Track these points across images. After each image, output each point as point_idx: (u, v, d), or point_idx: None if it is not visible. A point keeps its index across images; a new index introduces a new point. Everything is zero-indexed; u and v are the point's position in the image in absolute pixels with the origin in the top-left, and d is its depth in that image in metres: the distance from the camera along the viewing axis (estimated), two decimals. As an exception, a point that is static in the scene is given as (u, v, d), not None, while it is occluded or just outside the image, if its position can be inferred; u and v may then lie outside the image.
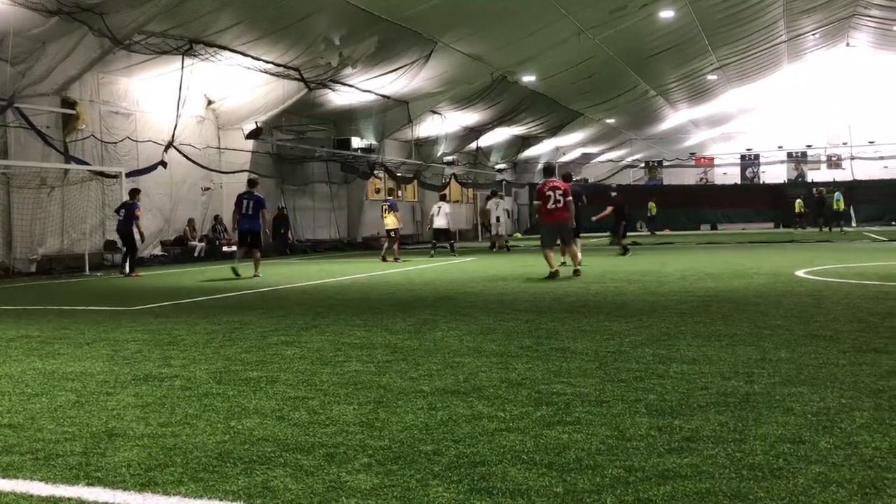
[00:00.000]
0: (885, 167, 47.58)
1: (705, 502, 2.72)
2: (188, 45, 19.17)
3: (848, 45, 42.89)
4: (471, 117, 33.67)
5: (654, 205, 41.65)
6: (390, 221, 20.21)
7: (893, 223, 41.56)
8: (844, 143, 50.08)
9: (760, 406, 3.97)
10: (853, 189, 42.53)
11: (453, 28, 23.07)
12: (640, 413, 3.90)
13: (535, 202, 13.50)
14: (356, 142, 28.61)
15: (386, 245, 20.64)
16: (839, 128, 49.54)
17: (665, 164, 53.57)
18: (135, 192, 17.50)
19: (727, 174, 53.17)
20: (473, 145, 38.63)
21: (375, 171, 31.74)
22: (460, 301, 9.66)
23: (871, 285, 10.21)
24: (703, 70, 37.36)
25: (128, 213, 16.99)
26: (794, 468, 3.02)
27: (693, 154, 53.98)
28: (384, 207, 20.76)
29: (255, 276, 14.79)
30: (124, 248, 17.38)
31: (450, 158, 37.47)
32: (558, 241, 13.52)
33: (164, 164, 21.01)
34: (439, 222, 22.32)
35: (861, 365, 4.91)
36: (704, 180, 53.43)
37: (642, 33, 28.21)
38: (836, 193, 36.39)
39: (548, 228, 13.27)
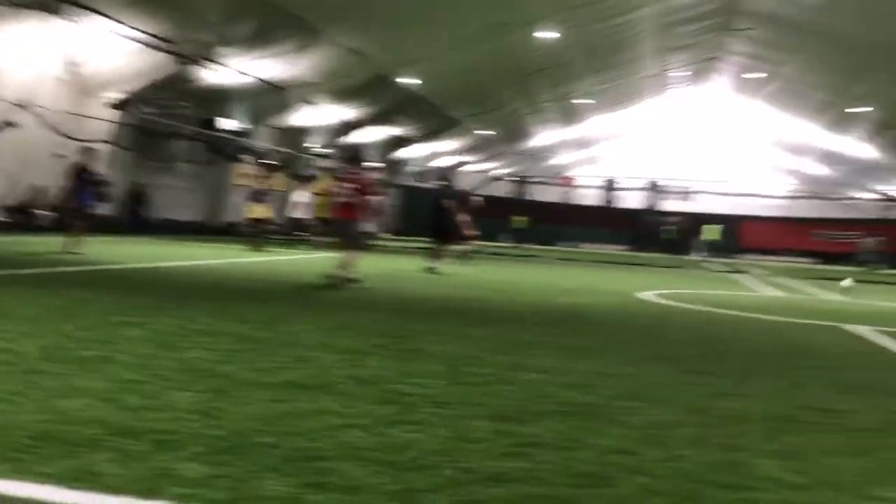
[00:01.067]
0: (729, 203, 50.95)
1: (534, 506, 2.79)
2: (52, 2, 17.98)
3: (707, 85, 45.68)
4: (347, 112, 33.40)
5: (522, 219, 42.68)
6: (259, 210, 19.63)
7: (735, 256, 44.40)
8: (696, 178, 53.17)
9: (598, 417, 4.12)
10: (701, 222, 45.20)
11: (338, 19, 22.80)
12: (483, 417, 3.96)
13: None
14: (225, 123, 27.75)
15: (253, 234, 20.05)
16: (693, 161, 52.54)
17: (533, 180, 55.05)
18: None
19: (588, 196, 55.27)
20: (348, 139, 38.32)
21: (244, 156, 30.88)
22: (320, 295, 9.54)
23: (707, 311, 10.86)
24: (575, 93, 38.71)
25: None
26: (621, 478, 3.15)
27: (558, 173, 55.80)
28: (253, 195, 20.25)
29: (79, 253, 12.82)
30: None
31: (323, 150, 37.02)
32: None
33: (10, 123, 19.60)
34: (299, 212, 22.05)
35: (693, 385, 5.20)
36: (568, 200, 55.36)
37: (523, 50, 28.91)
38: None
39: (335, 224, 11.76)
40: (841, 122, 40.23)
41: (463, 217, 20.19)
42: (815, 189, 51.39)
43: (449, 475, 3.03)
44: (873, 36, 26.73)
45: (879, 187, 51.27)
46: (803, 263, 39.78)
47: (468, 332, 6.96)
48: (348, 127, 36.03)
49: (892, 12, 24.25)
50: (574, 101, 40.05)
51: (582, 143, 51.89)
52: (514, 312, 8.96)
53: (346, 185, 11.18)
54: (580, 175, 56.00)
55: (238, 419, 3.62)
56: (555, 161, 54.61)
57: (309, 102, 30.87)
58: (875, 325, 10.04)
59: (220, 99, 27.65)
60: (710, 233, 39.37)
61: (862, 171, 48.54)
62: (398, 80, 29.83)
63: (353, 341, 6.05)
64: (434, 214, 15.66)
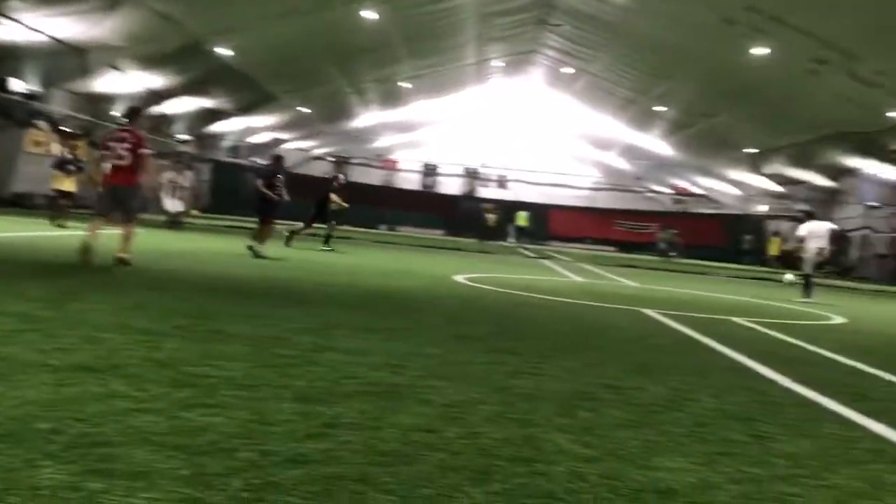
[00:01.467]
0: (540, 192, 53.38)
1: (332, 486, 2.77)
2: None
3: (525, 77, 47.49)
4: (156, 80, 31.62)
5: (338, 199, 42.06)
6: (66, 182, 18.11)
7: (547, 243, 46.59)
8: (511, 168, 55.29)
9: (402, 397, 4.16)
10: (516, 209, 47.02)
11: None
12: (286, 399, 3.88)
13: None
14: (15, 84, 25.44)
15: (57, 206, 18.20)
16: (510, 150, 54.54)
17: (353, 161, 54.82)
18: None
19: (409, 180, 55.90)
20: (156, 110, 36.32)
21: (37, 122, 28.45)
22: (118, 274, 8.98)
23: (515, 294, 11.31)
24: (398, 76, 38.93)
25: None
26: (421, 455, 3.20)
27: (380, 156, 55.95)
28: (58, 165, 18.66)
29: None
30: None
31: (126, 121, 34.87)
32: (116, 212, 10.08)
33: None
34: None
35: (494, 364, 5.38)
36: (389, 183, 55.69)
37: (346, 29, 28.64)
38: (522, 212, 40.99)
39: (105, 192, 10.00)
40: (642, 120, 43.25)
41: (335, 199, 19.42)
42: (617, 181, 54.90)
43: (246, 458, 2.95)
44: (672, 41, 28.86)
45: (675, 182, 55.68)
46: (605, 251, 42.37)
47: (275, 314, 6.81)
48: (157, 96, 34.13)
49: (688, 21, 26.26)
50: (397, 83, 40.25)
51: (404, 127, 52.31)
52: (324, 294, 8.87)
53: (118, 145, 9.64)
54: (402, 158, 56.47)
55: (15, 404, 3.32)
56: (377, 143, 54.69)
57: (114, 67, 28.91)
58: (667, 309, 10.88)
59: (9, 57, 25.28)
60: (520, 219, 41.13)
61: (660, 167, 52.49)
62: (212, 49, 28.58)
63: (150, 322, 5.73)
64: (259, 194, 14.50)
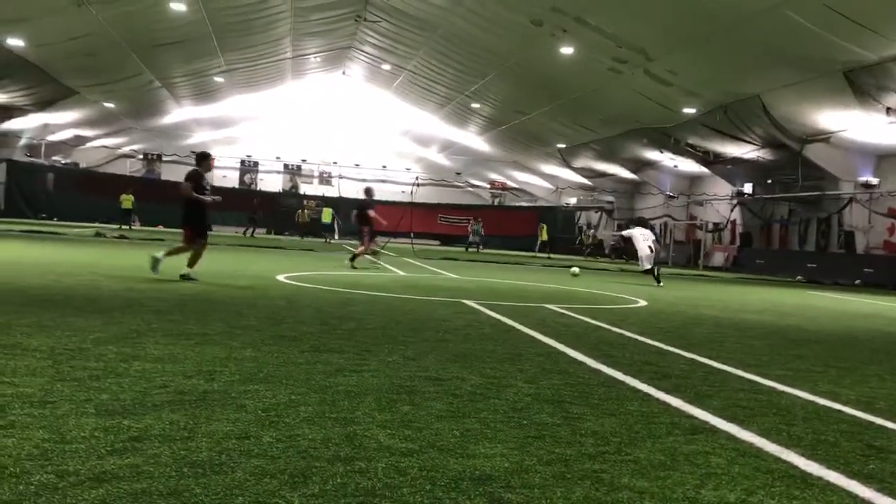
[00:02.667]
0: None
1: (139, 503, 2.62)
2: None
3: (344, 73, 47.27)
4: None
5: (128, 197, 38.75)
6: None
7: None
8: (335, 162, 54.90)
9: (216, 404, 4.01)
10: (339, 205, 46.74)
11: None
12: (89, 414, 3.64)
13: None
14: None
15: None
16: (332, 146, 54.13)
17: (164, 158, 52.30)
18: None
19: (226, 177, 54.08)
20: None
21: None
22: None
23: (337, 291, 11.24)
24: (211, 71, 37.53)
25: None
26: (235, 463, 3.10)
27: (194, 152, 53.76)
28: None
29: None
30: None
31: None
32: None
33: None
34: None
35: (316, 364, 5.31)
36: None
37: (151, 20, 27.24)
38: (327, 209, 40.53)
39: None
40: (460, 117, 44.33)
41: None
42: (438, 177, 55.88)
43: (41, 481, 2.73)
44: (485, 40, 29.74)
45: (493, 177, 57.50)
46: (428, 245, 43.05)
47: (75, 323, 6.36)
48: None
49: (500, 21, 27.16)
50: (210, 78, 38.79)
51: (220, 123, 50.54)
52: (130, 299, 8.39)
53: None
54: (218, 155, 54.49)
55: None
56: (192, 140, 52.44)
57: None
58: (486, 299, 11.21)
59: None
60: (325, 216, 40.95)
61: (478, 162, 54.04)
62: (1, 40, 26.27)
63: (-69, 338, 5.19)
64: (188, 198, 11.42)
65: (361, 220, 19.03)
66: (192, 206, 11.45)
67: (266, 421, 3.74)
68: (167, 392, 4.18)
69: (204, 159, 11.94)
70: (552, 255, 38.12)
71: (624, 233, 20.60)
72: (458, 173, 56.08)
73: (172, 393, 4.17)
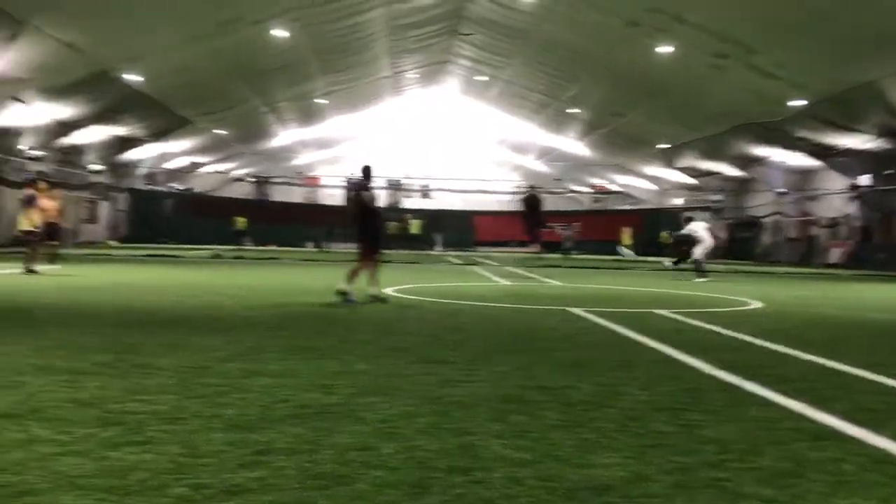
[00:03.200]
0: (464, 199, 53.80)
1: (269, 515, 2.74)
2: None
3: (441, 87, 47.83)
4: (63, 110, 30.65)
5: (242, 219, 41.85)
6: (35, 220, 16.15)
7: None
8: (434, 176, 55.52)
9: (336, 417, 4.13)
10: (439, 217, 47.23)
11: (48, 9, 20.85)
12: (216, 429, 3.82)
13: None
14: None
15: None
16: (431, 160, 54.76)
17: (274, 180, 54.14)
18: None
19: (333, 195, 55.46)
20: (66, 141, 35.21)
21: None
22: (33, 313, 8.66)
23: (443, 303, 11.35)
24: (314, 93, 38.69)
25: None
26: (357, 474, 3.19)
27: (300, 173, 55.43)
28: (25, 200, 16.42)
29: None
30: None
31: (37, 153, 33.68)
32: None
33: None
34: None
35: (427, 375, 5.39)
36: (311, 200, 55.15)
37: (256, 48, 28.34)
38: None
39: None
40: (557, 122, 44.04)
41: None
42: (537, 184, 55.61)
43: (178, 494, 2.89)
44: (579, 44, 29.52)
45: (593, 181, 56.81)
46: (527, 253, 42.86)
47: (199, 342, 6.67)
48: (66, 127, 33.13)
49: (593, 25, 26.90)
50: (313, 100, 40.00)
51: (324, 144, 51.98)
52: (248, 318, 8.73)
53: None
54: (324, 174, 56.03)
55: (-73, 460, 3.18)
56: (297, 161, 54.19)
57: (18, 100, 27.92)
58: (592, 306, 11.09)
59: None
60: (413, 227, 41.58)
61: (577, 167, 53.46)
62: (121, 76, 27.89)
63: (70, 361, 5.55)
64: (361, 217, 11.09)
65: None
66: (364, 223, 10.95)
67: (384, 432, 3.83)
68: (289, 406, 4.34)
69: (369, 172, 11.21)
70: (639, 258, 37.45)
71: (692, 231, 20.15)
72: (558, 179, 55.66)
73: (294, 407, 4.32)
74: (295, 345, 6.65)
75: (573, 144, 48.38)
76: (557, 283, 17.41)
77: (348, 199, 11.06)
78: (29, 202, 16.43)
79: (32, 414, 4.00)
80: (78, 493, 2.85)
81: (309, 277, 16.96)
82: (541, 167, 55.62)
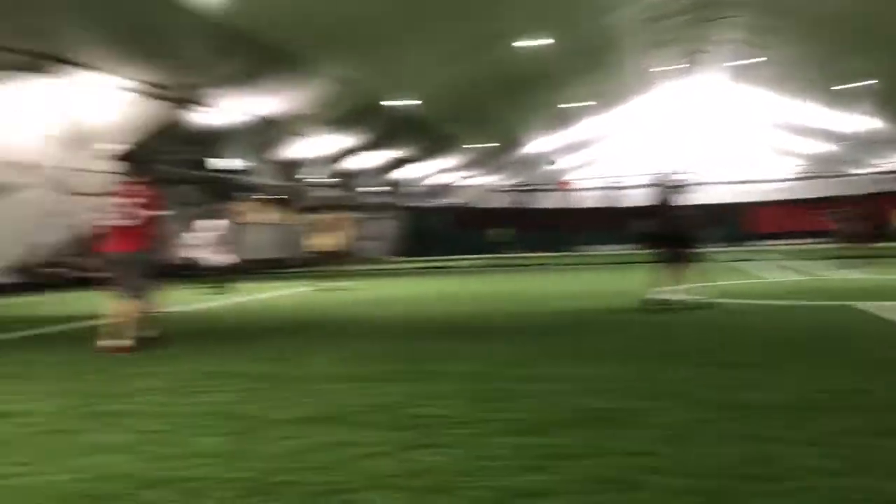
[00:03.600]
0: (734, 190, 50.83)
1: (561, 519, 2.77)
2: (48, 63, 18.21)
3: (701, 75, 45.73)
4: (343, 139, 33.58)
5: (506, 230, 41.87)
6: (327, 241, 17.08)
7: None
8: (701, 169, 53.10)
9: (619, 422, 4.09)
10: (710, 212, 45.00)
11: (327, 51, 23.00)
12: (504, 432, 3.94)
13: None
14: (225, 163, 27.93)
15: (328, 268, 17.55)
16: (696, 152, 52.50)
17: (530, 188, 55.02)
18: None
19: (588, 198, 55.17)
20: (346, 166, 38.52)
21: (246, 194, 31.09)
22: (329, 326, 9.54)
23: (719, 302, 10.78)
24: (567, 98, 38.77)
25: None
26: (645, 480, 3.13)
27: (557, 179, 55.84)
28: (314, 223, 17.64)
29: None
30: None
31: (321, 180, 37.20)
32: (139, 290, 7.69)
33: (11, 187, 19.71)
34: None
35: (709, 378, 5.16)
36: (567, 204, 55.35)
37: (513, 60, 29.01)
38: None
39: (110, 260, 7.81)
40: (840, 98, 40.05)
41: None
42: (820, 168, 51.16)
43: (473, 496, 3.02)
44: (863, 8, 26.70)
45: (877, 161, 51.03)
46: (812, 244, 39.55)
47: (480, 349, 6.94)
48: (346, 153, 36.25)
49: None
50: (566, 105, 40.14)
51: (578, 146, 51.94)
52: (523, 324, 8.94)
53: (121, 202, 7.76)
54: (579, 178, 56.03)
55: (259, 459, 3.61)
56: (555, 167, 54.71)
57: (303, 135, 31.09)
58: (879, 300, 9.93)
59: (218, 139, 27.90)
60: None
61: (876, 145, 47.90)
62: (391, 102, 29.98)
63: (366, 369, 6.05)
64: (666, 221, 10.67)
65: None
66: (672, 223, 10.47)
67: (672, 438, 3.72)
68: (571, 410, 4.36)
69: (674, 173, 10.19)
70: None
71: None
72: (846, 161, 50.61)
73: (578, 411, 4.34)
74: (574, 349, 6.69)
75: (864, 121, 43.61)
76: (840, 275, 15.85)
77: (657, 201, 10.62)
78: (319, 225, 18.05)
79: (338, 418, 4.39)
80: (386, 492, 3.08)
81: (576, 282, 16.99)
82: (825, 148, 50.93)
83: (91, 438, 4.12)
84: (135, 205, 7.70)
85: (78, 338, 9.10)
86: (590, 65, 33.71)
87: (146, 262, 7.77)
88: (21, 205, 21.01)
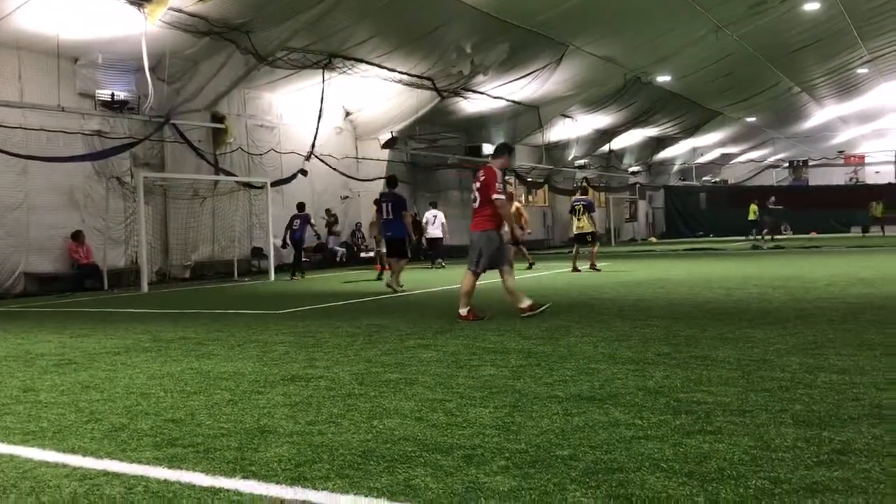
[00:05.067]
0: None
1: (858, 518, 2.61)
2: (327, 60, 19.95)
3: None
4: (603, 120, 33.23)
5: (754, 207, 37.25)
6: (585, 224, 17.03)
7: None
8: None
9: (920, 420, 3.74)
10: None
11: (585, 31, 22.85)
12: (786, 424, 3.76)
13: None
14: (487, 148, 28.78)
15: (575, 250, 17.57)
16: None
17: (811, 163, 50.80)
18: (303, 206, 19.12)
19: (880, 173, 49.82)
20: (606, 148, 38.09)
21: (506, 177, 31.92)
22: (595, 306, 9.58)
23: None
24: (853, 64, 35.19)
25: (302, 223, 18.59)
26: (958, 486, 2.84)
27: (842, 152, 51.00)
28: (578, 208, 17.28)
29: (398, 288, 12.83)
30: (294, 256, 18.74)
31: (581, 162, 37.12)
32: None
33: (304, 172, 21.90)
34: (433, 232, 20.95)
35: None
36: (855, 180, 50.30)
37: (784, 27, 26.93)
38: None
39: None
40: None
41: None
42: None
43: (758, 486, 2.93)
44: None
45: None
46: None
47: (753, 335, 6.62)
48: (605, 135, 35.87)
49: None
50: (850, 72, 36.51)
51: (867, 117, 47.00)
52: (799, 309, 8.35)
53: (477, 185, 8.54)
54: (869, 152, 50.79)
55: (536, 433, 3.77)
56: (837, 140, 50.05)
57: (564, 115, 31.18)
58: None
59: (478, 126, 28.87)
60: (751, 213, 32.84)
61: None
62: (652, 80, 29.16)
63: (634, 352, 6.02)
64: None
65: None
66: None
67: None
68: (861, 405, 4.06)
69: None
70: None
71: None
72: None
73: (867, 406, 4.03)
74: (859, 339, 6.17)
75: None
76: None
77: None
78: (588, 208, 17.42)
79: (610, 399, 4.44)
80: (662, 475, 3.08)
81: (856, 266, 15.51)
82: None
83: (382, 403, 4.54)
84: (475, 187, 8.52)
85: (371, 310, 9.95)
86: (879, 26, 30.33)
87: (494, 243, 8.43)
88: (311, 190, 23.25)
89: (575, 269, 16.89)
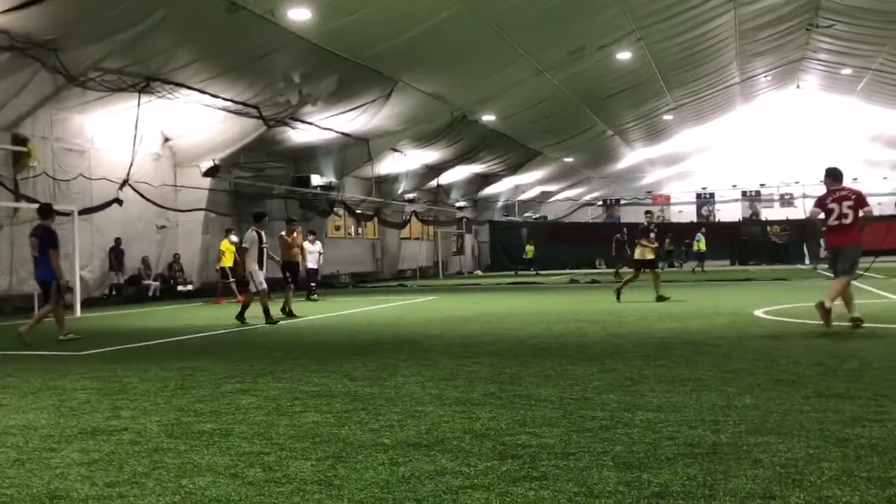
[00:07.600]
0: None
1: (678, 567, 2.62)
2: (145, 83, 18.95)
3: (798, 87, 44.19)
4: (431, 155, 33.78)
5: (530, 248, 39.88)
6: (648, 252, 16.53)
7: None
8: (796, 182, 51.24)
9: (728, 457, 3.89)
10: (804, 228, 43.32)
11: (413, 67, 23.19)
12: (608, 466, 3.79)
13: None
14: (316, 179, 28.43)
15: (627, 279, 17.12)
16: (791, 166, 50.72)
17: (622, 202, 54.21)
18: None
19: (682, 212, 53.97)
20: (434, 183, 38.73)
21: (335, 209, 31.60)
22: (423, 343, 9.52)
23: (823, 326, 10.27)
24: (659, 110, 38.08)
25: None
26: (767, 526, 2.94)
27: (650, 192, 54.77)
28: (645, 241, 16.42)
29: (64, 337, 10.88)
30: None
31: (410, 196, 37.50)
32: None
33: (118, 201, 20.60)
34: (310, 262, 20.30)
35: (825, 411, 4.87)
36: (661, 218, 54.08)
37: (600, 74, 28.68)
38: (697, 234, 36.22)
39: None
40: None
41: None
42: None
43: (581, 536, 2.89)
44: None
45: None
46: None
47: (572, 372, 6.78)
48: (434, 170, 36.46)
49: None
50: (657, 118, 39.41)
51: (672, 160, 50.82)
52: (615, 345, 8.70)
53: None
54: (673, 192, 54.85)
55: (359, 487, 3.58)
56: (646, 180, 53.73)
57: (394, 150, 31.41)
58: None
59: (307, 156, 28.46)
60: (699, 244, 36.18)
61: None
62: (477, 118, 30.03)
63: (461, 392, 5.97)
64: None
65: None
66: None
67: (788, 478, 3.50)
68: (676, 444, 4.18)
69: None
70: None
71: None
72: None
73: (682, 445, 4.16)
74: (671, 375, 6.46)
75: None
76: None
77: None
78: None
79: (437, 444, 4.32)
80: (488, 528, 2.99)
81: (665, 301, 16.51)
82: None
83: (193, 459, 4.18)
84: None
85: (185, 351, 9.34)
86: (683, 77, 32.98)
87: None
88: (124, 220, 21.88)
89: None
